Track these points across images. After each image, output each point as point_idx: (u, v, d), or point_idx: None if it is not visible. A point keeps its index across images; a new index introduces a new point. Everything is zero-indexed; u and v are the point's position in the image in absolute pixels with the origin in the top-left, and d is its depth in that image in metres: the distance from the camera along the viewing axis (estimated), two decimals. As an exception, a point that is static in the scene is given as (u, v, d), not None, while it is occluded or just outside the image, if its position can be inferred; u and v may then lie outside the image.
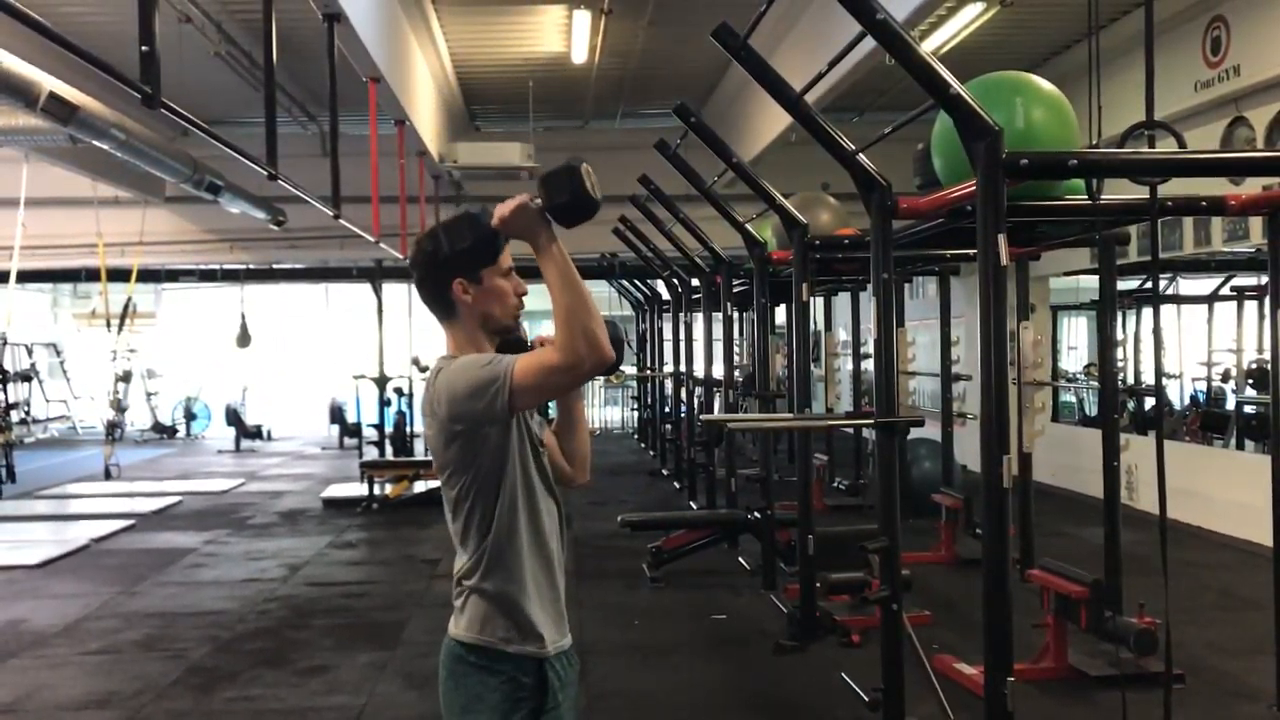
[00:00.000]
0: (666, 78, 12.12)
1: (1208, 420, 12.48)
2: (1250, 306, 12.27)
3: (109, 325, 13.55)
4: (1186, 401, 13.77)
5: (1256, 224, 8.07)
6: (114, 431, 13.65)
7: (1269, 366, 4.97)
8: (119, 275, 13.92)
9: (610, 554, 8.22)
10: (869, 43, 3.96)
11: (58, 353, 19.82)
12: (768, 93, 4.88)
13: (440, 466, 2.35)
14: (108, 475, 12.98)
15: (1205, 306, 13.30)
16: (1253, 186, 6.60)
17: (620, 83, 12.43)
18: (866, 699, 4.74)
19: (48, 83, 6.64)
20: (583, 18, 9.51)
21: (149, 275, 15.47)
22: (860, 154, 4.68)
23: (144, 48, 3.67)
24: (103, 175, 12.16)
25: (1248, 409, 11.50)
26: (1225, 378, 13.11)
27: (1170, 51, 8.53)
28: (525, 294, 2.43)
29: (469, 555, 2.33)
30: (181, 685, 5.40)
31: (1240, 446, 11.00)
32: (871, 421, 4.82)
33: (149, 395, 18.71)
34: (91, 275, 14.24)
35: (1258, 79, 8.02)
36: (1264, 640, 4.94)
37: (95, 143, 7.87)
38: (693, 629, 6.33)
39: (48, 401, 19.47)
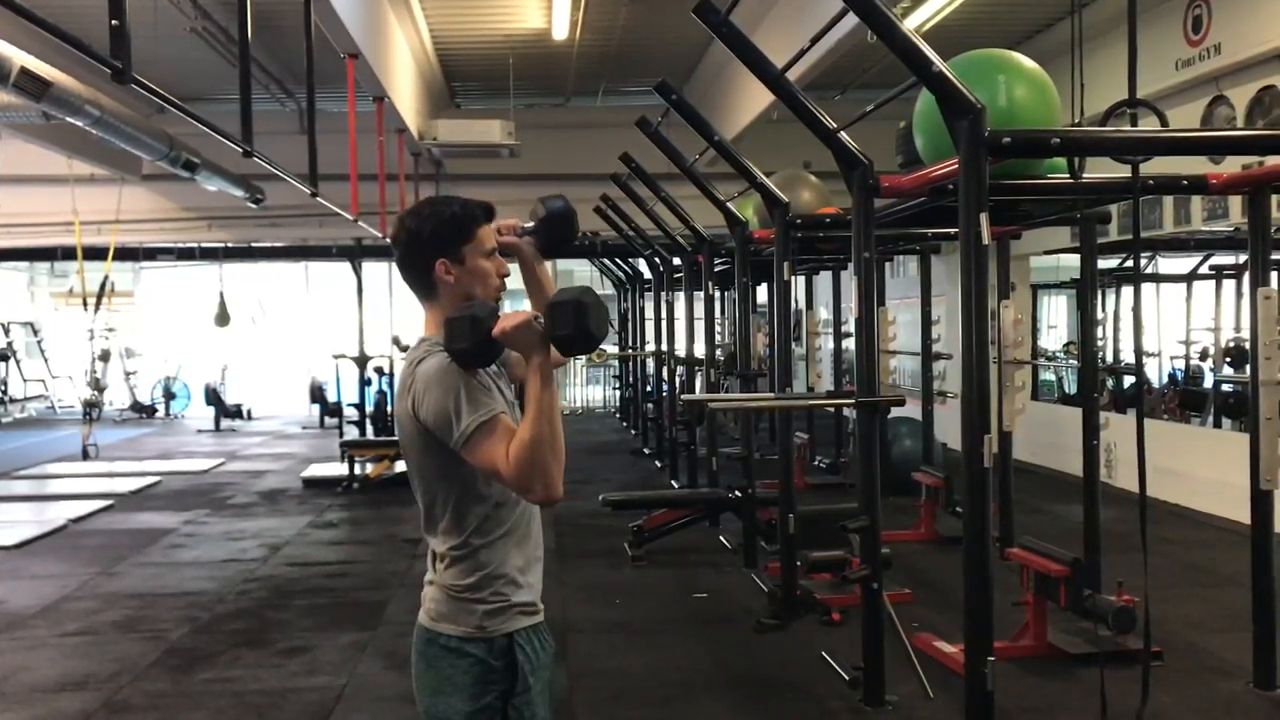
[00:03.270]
0: (648, 55, 12.06)
1: (1186, 398, 12.55)
2: (1228, 285, 12.32)
3: (86, 304, 13.43)
4: (1165, 380, 13.84)
5: (1236, 203, 8.10)
6: (92, 411, 13.54)
7: (1247, 345, 4.99)
8: (96, 254, 13.78)
9: (592, 533, 8.22)
10: (851, 19, 3.94)
11: (35, 332, 19.65)
12: (749, 70, 4.85)
13: (408, 447, 2.33)
14: (86, 455, 12.89)
15: (1184, 285, 13.35)
16: (1232, 165, 6.62)
17: (602, 60, 12.35)
18: (847, 677, 4.76)
19: (19, 58, 6.54)
20: (563, -6, 9.45)
21: (126, 254, 15.32)
22: (842, 132, 4.67)
23: (114, 22, 3.61)
24: (78, 152, 12.03)
25: (1225, 387, 11.57)
26: (1203, 356, 13.17)
27: (1152, 30, 8.53)
28: (508, 275, 2.40)
29: (441, 544, 2.32)
30: (160, 666, 5.37)
31: (1218, 425, 11.07)
32: (852, 401, 4.82)
33: (127, 375, 18.59)
34: (68, 254, 14.08)
35: (1238, 58, 8.03)
36: (1242, 617, 4.98)
37: (69, 119, 7.76)
38: (674, 607, 6.33)
39: (25, 381, 19.33)
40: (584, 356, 2.36)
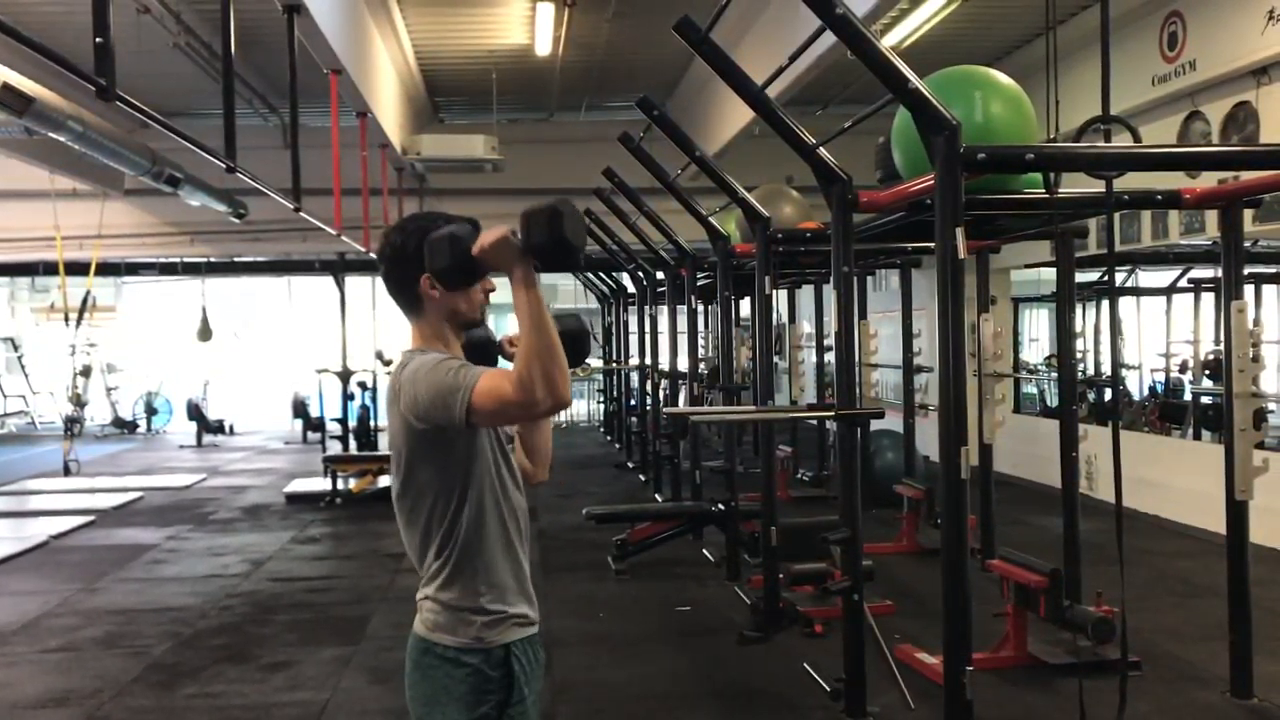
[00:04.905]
0: (631, 70, 12.12)
1: (1166, 411, 12.64)
2: (1207, 299, 12.43)
3: (68, 319, 13.39)
4: (1145, 392, 13.94)
5: (1212, 217, 8.16)
6: (73, 427, 13.48)
7: (1224, 358, 5.05)
8: (78, 269, 13.75)
9: (576, 546, 8.23)
10: (830, 37, 3.98)
11: (15, 347, 19.55)
12: (729, 86, 4.90)
13: (401, 462, 2.33)
14: (67, 471, 12.82)
15: (1164, 299, 13.47)
16: (1208, 180, 6.70)
17: (585, 75, 12.41)
18: (829, 688, 4.78)
19: (2, 73, 6.54)
20: (546, 10, 9.49)
21: (108, 268, 15.30)
22: (821, 148, 4.71)
23: (98, 39, 3.64)
24: (60, 167, 11.99)
25: (1204, 400, 11.66)
26: (1183, 369, 13.27)
27: (1127, 46, 8.63)
28: (493, 290, 2.43)
29: (434, 558, 2.33)
30: (142, 683, 5.35)
31: (1197, 436, 11.15)
32: (832, 414, 4.85)
33: (109, 390, 18.49)
34: (50, 269, 14.04)
35: (1213, 73, 8.12)
36: (1219, 627, 5.02)
37: (52, 135, 7.75)
38: (658, 620, 6.35)
39: (5, 397, 19.23)
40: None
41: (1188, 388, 12.98)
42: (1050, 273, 12.91)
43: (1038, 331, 18.12)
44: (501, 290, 2.50)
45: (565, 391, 2.14)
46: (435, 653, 2.31)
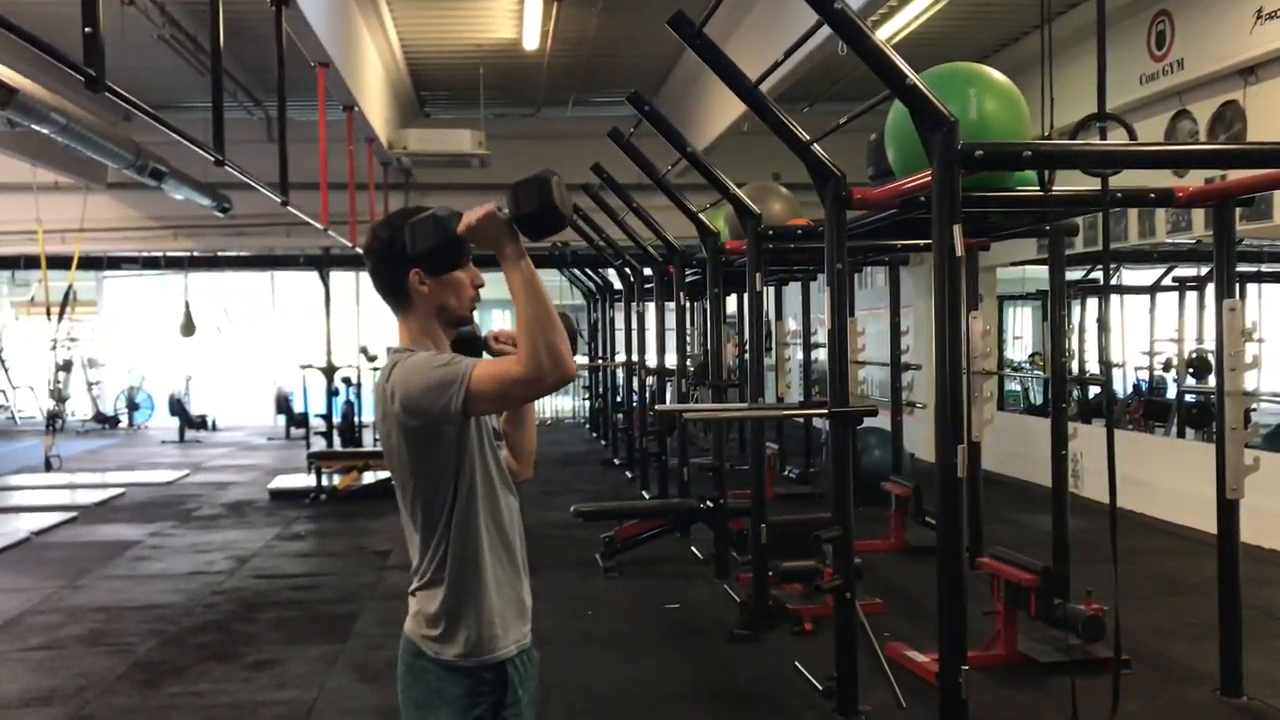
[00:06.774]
0: (619, 65, 12.07)
1: (1150, 409, 12.70)
2: (1191, 297, 12.49)
3: (49, 314, 13.28)
4: (1129, 390, 14.00)
5: (1199, 216, 8.21)
6: (54, 422, 13.36)
7: (1212, 357, 5.05)
8: (59, 262, 13.62)
9: (563, 544, 8.19)
10: (824, 32, 3.96)
11: (-5, 341, 19.38)
12: (723, 82, 4.87)
13: (393, 462, 2.30)
14: (48, 467, 12.71)
15: (1148, 297, 13.52)
16: (1193, 179, 6.71)
17: (573, 70, 12.36)
18: (820, 687, 4.77)
19: (-16, 65, 6.47)
20: (534, 4, 9.43)
21: (90, 262, 15.15)
22: (815, 144, 4.69)
23: (87, 29, 3.58)
24: (42, 160, 11.88)
25: (1188, 398, 11.71)
26: (1167, 367, 13.33)
27: (1115, 44, 8.62)
28: (482, 285, 2.38)
29: (426, 555, 2.29)
30: (126, 681, 5.30)
31: (1181, 435, 11.20)
32: (826, 411, 4.84)
33: (90, 385, 18.35)
34: (31, 262, 13.89)
35: (1201, 73, 8.15)
36: (1208, 625, 5.04)
37: (35, 127, 7.67)
38: (646, 618, 6.33)
39: (-14, 391, 19.04)
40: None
41: (1171, 386, 13.04)
42: (1033, 270, 13.04)
43: (1021, 329, 18.19)
44: (488, 286, 2.46)
45: (570, 362, 2.11)
46: (428, 656, 2.28)
